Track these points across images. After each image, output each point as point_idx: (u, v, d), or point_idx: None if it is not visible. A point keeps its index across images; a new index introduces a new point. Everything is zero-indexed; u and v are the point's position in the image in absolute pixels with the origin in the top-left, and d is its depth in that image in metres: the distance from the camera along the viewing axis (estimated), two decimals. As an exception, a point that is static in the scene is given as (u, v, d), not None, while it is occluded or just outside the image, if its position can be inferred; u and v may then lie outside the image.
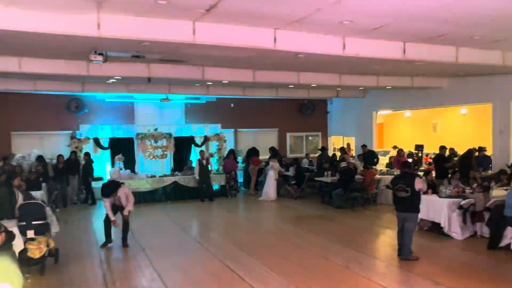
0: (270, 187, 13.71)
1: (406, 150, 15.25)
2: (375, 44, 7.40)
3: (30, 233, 6.68)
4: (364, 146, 14.82)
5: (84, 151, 13.98)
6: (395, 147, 14.86)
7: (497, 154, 11.64)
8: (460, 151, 14.24)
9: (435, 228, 8.86)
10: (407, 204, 7.24)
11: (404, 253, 7.28)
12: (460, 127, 15.84)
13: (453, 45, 7.93)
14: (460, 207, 8.49)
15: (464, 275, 6.50)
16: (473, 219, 8.52)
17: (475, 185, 9.07)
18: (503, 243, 7.63)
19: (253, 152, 15.68)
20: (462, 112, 15.60)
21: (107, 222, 8.40)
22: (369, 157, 13.63)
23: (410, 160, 13.32)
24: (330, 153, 17.01)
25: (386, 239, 8.57)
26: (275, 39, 6.63)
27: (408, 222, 7.26)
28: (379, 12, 5.72)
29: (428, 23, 6.25)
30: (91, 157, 13.62)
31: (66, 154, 13.57)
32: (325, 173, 13.20)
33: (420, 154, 14.95)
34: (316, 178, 13.58)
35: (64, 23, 5.53)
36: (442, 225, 8.55)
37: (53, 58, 8.59)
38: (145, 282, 6.54)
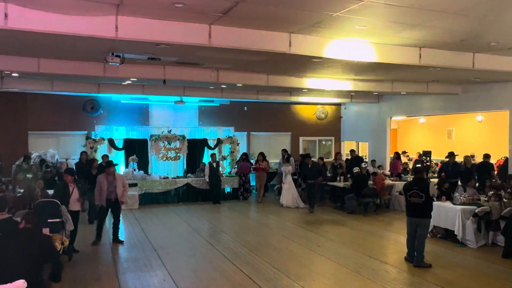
0: (285, 193, 13.23)
1: (413, 155, 15.22)
2: (391, 49, 7.37)
3: (46, 231, 6.78)
4: (352, 151, 15.16)
5: (98, 151, 14.14)
6: (403, 153, 14.81)
7: (514, 162, 11.47)
8: (477, 158, 14.15)
9: (448, 236, 8.76)
10: (421, 210, 7.19)
11: (417, 259, 7.23)
12: (476, 134, 15.65)
13: (469, 51, 7.86)
14: (475, 215, 8.38)
15: (478, 284, 6.41)
16: (489, 227, 8.40)
17: (491, 193, 8.94)
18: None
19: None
20: (478, 119, 15.41)
21: (101, 218, 8.82)
22: (355, 162, 13.46)
23: (419, 165, 13.25)
24: (344, 158, 16.92)
25: (398, 246, 8.48)
26: (290, 42, 6.66)
27: (421, 228, 7.23)
28: (396, 18, 5.70)
29: (444, 29, 6.21)
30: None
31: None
32: (338, 178, 13.17)
33: (427, 160, 14.90)
34: (328, 183, 13.53)
35: (82, 25, 5.63)
36: (456, 232, 8.45)
37: (70, 59, 8.73)
38: (156, 282, 6.58)
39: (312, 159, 13.32)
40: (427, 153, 15.27)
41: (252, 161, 15.89)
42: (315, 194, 12.56)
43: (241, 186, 14.49)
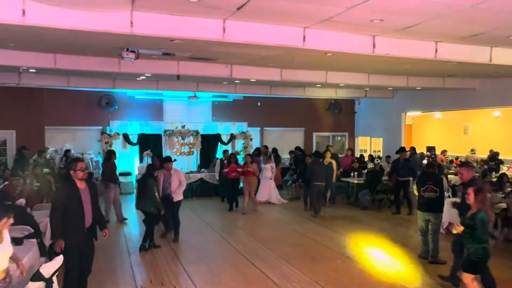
0: (262, 188, 12.70)
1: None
2: (406, 43, 7.28)
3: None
4: (297, 148, 15.19)
5: (113, 146, 14.31)
6: (412, 148, 14.68)
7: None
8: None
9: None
10: (434, 204, 7.18)
11: (433, 254, 7.22)
12: (492, 130, 15.38)
13: (487, 45, 7.72)
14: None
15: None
16: (505, 224, 8.28)
17: (509, 189, 8.80)
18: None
19: (274, 153, 15.05)
20: (495, 115, 15.15)
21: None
22: (300, 160, 13.20)
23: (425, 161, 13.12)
24: (357, 154, 16.83)
25: (412, 242, 8.42)
26: (304, 37, 6.62)
27: (434, 223, 7.21)
28: (411, 11, 5.63)
29: (461, 22, 6.11)
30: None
31: (96, 150, 13.98)
32: (351, 174, 13.10)
33: (434, 156, 14.78)
34: (342, 179, 13.47)
35: (98, 21, 5.68)
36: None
37: (86, 55, 8.83)
38: (171, 274, 6.66)
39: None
40: (431, 149, 15.16)
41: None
42: (319, 197, 11.30)
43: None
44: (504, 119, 14.89)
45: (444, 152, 15.17)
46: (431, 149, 15.22)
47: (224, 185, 12.45)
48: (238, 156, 15.05)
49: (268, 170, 12.78)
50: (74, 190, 5.08)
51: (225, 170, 12.04)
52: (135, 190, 9.44)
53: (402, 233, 9.41)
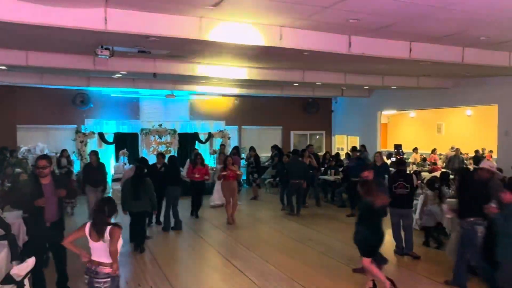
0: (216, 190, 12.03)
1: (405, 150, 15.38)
2: (381, 43, 7.39)
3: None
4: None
5: (88, 145, 14.05)
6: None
7: (502, 155, 11.60)
8: (465, 152, 14.36)
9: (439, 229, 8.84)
10: (405, 201, 7.39)
11: (407, 247, 7.47)
12: (465, 128, 15.81)
13: (459, 46, 7.90)
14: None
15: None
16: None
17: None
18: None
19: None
20: (467, 114, 15.56)
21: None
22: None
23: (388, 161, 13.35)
24: (333, 152, 16.99)
25: (388, 238, 8.56)
26: (281, 36, 6.64)
27: (406, 218, 7.47)
28: (386, 11, 5.71)
29: (434, 23, 6.24)
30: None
31: (70, 149, 13.68)
32: (328, 172, 13.22)
33: (402, 153, 15.14)
34: (320, 177, 13.57)
35: (71, 17, 5.55)
36: (444, 225, 8.54)
37: (60, 52, 8.62)
38: (148, 275, 6.58)
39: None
40: (398, 147, 15.54)
41: (243, 154, 15.64)
42: (299, 196, 11.22)
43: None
44: (476, 118, 15.32)
45: (415, 149, 15.54)
46: (398, 147, 15.56)
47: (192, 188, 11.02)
48: (214, 155, 15.03)
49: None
50: (37, 185, 5.36)
51: (187, 172, 10.83)
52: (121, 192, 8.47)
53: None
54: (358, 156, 11.68)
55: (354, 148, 12.30)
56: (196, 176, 10.61)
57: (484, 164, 7.13)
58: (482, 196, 5.75)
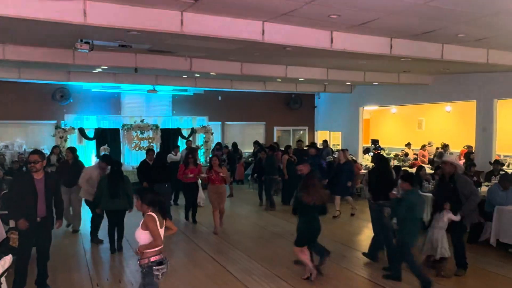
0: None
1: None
2: (362, 39, 7.44)
3: (12, 223, 6.60)
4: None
5: (68, 141, 13.83)
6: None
7: (480, 151, 11.84)
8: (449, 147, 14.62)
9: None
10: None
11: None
12: (444, 124, 16.08)
13: (439, 42, 8.02)
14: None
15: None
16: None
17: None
18: (483, 237, 7.84)
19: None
20: (446, 110, 15.83)
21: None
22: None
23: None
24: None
25: (368, 232, 8.67)
26: (263, 31, 6.62)
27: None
28: (367, 7, 5.75)
29: (414, 19, 6.31)
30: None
31: (50, 144, 13.40)
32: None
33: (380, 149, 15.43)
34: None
35: (49, 9, 5.43)
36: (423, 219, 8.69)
37: (38, 45, 8.44)
38: (128, 272, 6.53)
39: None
40: (375, 142, 15.75)
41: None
42: (276, 191, 11.50)
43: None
44: (455, 114, 15.59)
45: (408, 145, 15.74)
46: (375, 142, 15.74)
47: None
48: (198, 151, 14.90)
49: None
50: (29, 180, 5.35)
51: (179, 173, 9.84)
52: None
53: (360, 225, 9.66)
54: (315, 154, 11.37)
55: (313, 144, 12.13)
56: (190, 176, 9.70)
57: (447, 158, 7.51)
58: (388, 183, 6.97)
